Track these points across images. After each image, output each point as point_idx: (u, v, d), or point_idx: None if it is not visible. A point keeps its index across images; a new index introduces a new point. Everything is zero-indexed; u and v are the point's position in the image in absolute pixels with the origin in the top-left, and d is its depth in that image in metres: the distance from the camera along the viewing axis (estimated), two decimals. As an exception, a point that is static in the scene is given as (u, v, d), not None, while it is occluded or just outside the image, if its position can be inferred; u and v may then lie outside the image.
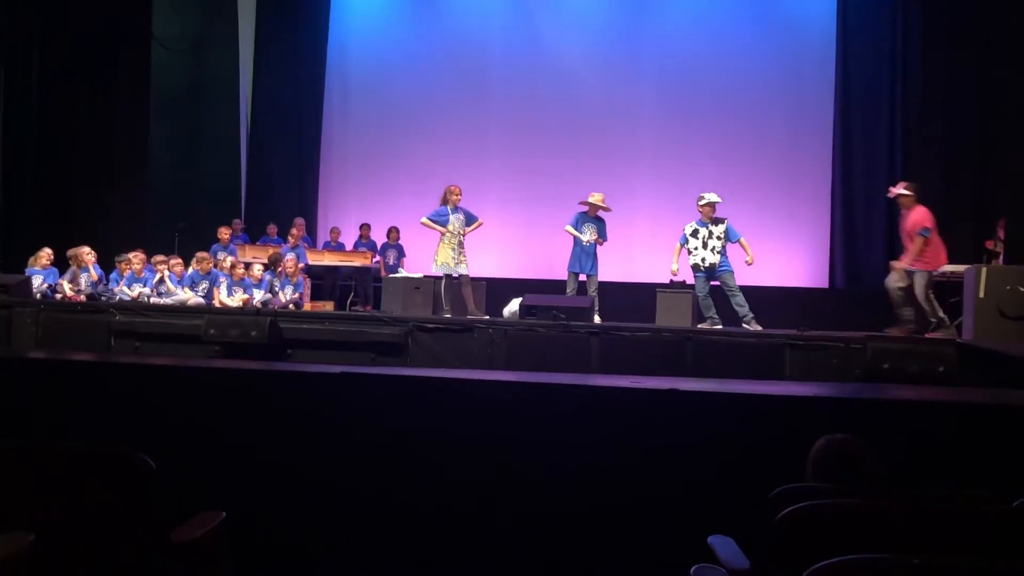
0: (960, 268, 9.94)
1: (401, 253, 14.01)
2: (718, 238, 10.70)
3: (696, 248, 10.78)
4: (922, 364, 8.26)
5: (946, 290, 10.70)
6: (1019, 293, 8.68)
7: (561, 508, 4.16)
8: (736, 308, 10.52)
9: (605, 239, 11.43)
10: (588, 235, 11.28)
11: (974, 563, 1.72)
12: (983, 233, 11.16)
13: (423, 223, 11.20)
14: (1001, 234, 10.82)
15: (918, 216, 9.85)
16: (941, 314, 9.76)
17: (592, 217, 11.41)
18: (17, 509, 2.66)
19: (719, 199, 10.78)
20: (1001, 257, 10.45)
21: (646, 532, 4.06)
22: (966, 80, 12.24)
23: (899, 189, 10.18)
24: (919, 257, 9.72)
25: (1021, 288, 8.68)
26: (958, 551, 2.11)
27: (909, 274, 9.76)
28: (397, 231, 14.02)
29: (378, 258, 13.91)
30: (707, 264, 10.68)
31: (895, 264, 10.01)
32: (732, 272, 10.71)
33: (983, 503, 2.56)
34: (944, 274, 10.44)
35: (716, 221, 10.77)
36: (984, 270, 8.99)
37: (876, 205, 13.60)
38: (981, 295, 8.83)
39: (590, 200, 11.40)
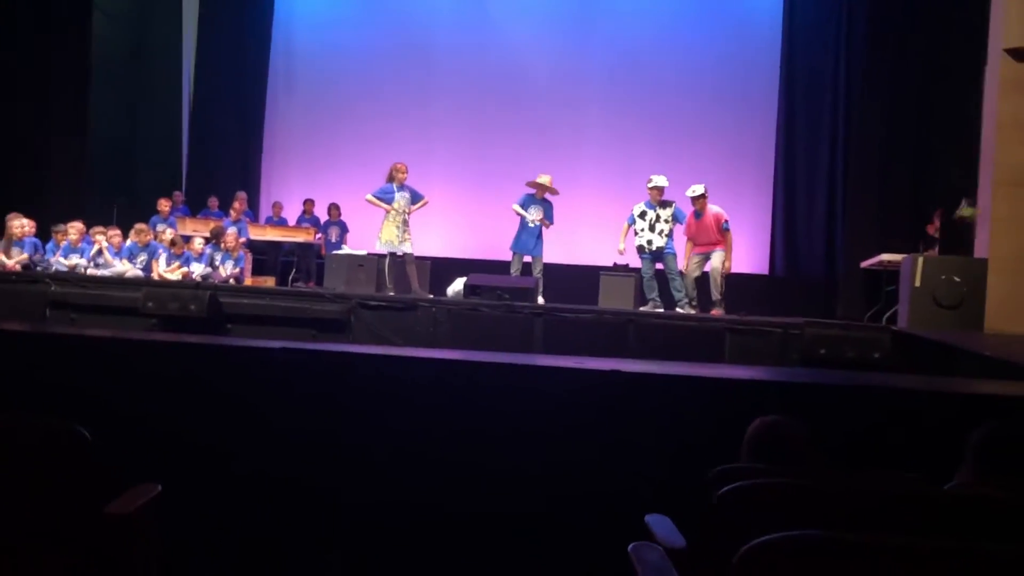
0: (897, 257, 10.13)
1: (344, 230, 13.90)
2: (665, 221, 10.85)
3: (643, 230, 10.89)
4: (858, 350, 8.44)
5: (882, 279, 10.90)
6: (954, 283, 8.85)
7: (502, 486, 4.17)
8: (673, 292, 10.67)
9: (552, 222, 11.46)
10: (534, 216, 11.31)
11: (906, 540, 1.76)
12: (920, 223, 11.37)
13: (368, 200, 11.14)
14: (937, 223, 11.04)
15: (718, 212, 10.85)
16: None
17: (539, 199, 11.44)
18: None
19: (666, 183, 10.89)
20: (937, 246, 10.66)
21: (585, 511, 4.09)
22: (907, 74, 12.44)
23: (700, 190, 10.88)
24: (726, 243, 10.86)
25: (956, 278, 8.85)
26: (891, 530, 2.15)
27: (705, 260, 10.90)
28: (338, 208, 13.89)
29: (320, 235, 13.80)
30: (653, 247, 10.81)
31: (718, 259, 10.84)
32: (676, 256, 10.84)
33: (915, 486, 2.62)
34: (881, 263, 10.65)
35: (664, 204, 10.90)
36: (921, 260, 9.15)
37: (816, 195, 13.83)
38: (917, 284, 8.98)
39: (538, 181, 11.42)
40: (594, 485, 4.11)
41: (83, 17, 13.53)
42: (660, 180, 10.93)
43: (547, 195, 11.51)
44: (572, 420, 4.23)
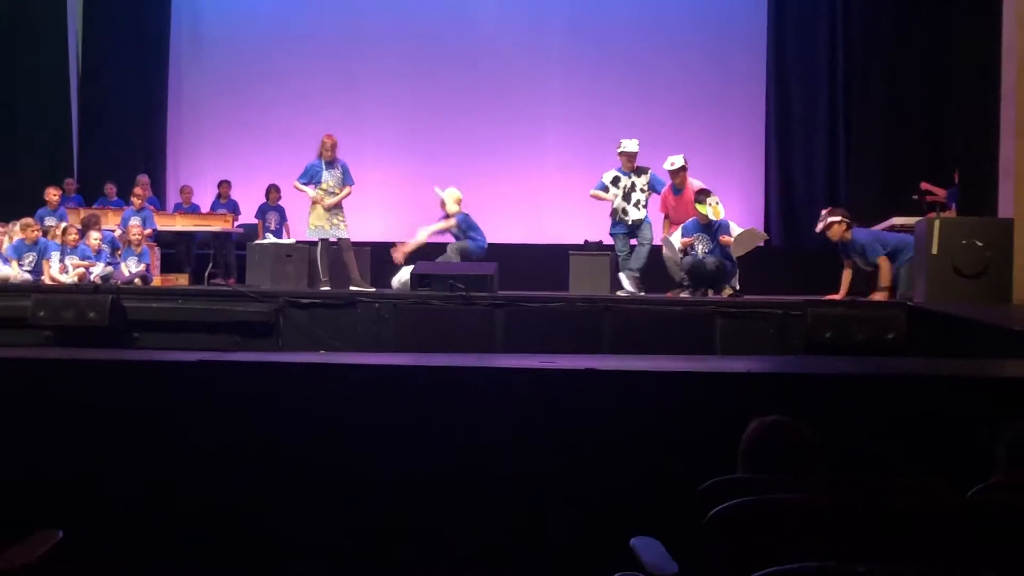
0: (911, 220, 10.19)
1: (283, 217, 13.75)
2: (642, 190, 10.79)
3: (616, 198, 10.84)
4: (869, 331, 8.53)
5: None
6: (976, 248, 8.89)
7: (462, 510, 4.18)
8: (631, 262, 10.69)
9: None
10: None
11: (922, 569, 1.77)
12: (939, 180, 11.43)
13: (296, 187, 11.08)
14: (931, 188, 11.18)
15: (700, 187, 10.74)
16: None
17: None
18: None
19: (637, 148, 10.83)
20: (954, 209, 10.75)
21: (561, 534, 4.10)
22: (915, 15, 12.56)
23: (680, 162, 10.86)
24: None
25: (978, 243, 8.90)
26: (908, 553, 2.17)
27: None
28: (278, 190, 13.71)
29: (240, 222, 13.68)
30: (629, 219, 10.76)
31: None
32: (651, 224, 10.85)
33: (934, 493, 2.64)
34: (893, 227, 10.74)
35: (639, 171, 10.84)
36: (937, 223, 9.10)
37: (815, 154, 13.90)
38: (934, 251, 9.00)
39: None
40: (570, 505, 4.12)
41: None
42: (630, 145, 10.86)
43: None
44: (542, 429, 4.24)
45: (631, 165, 10.83)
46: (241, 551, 4.18)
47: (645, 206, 10.82)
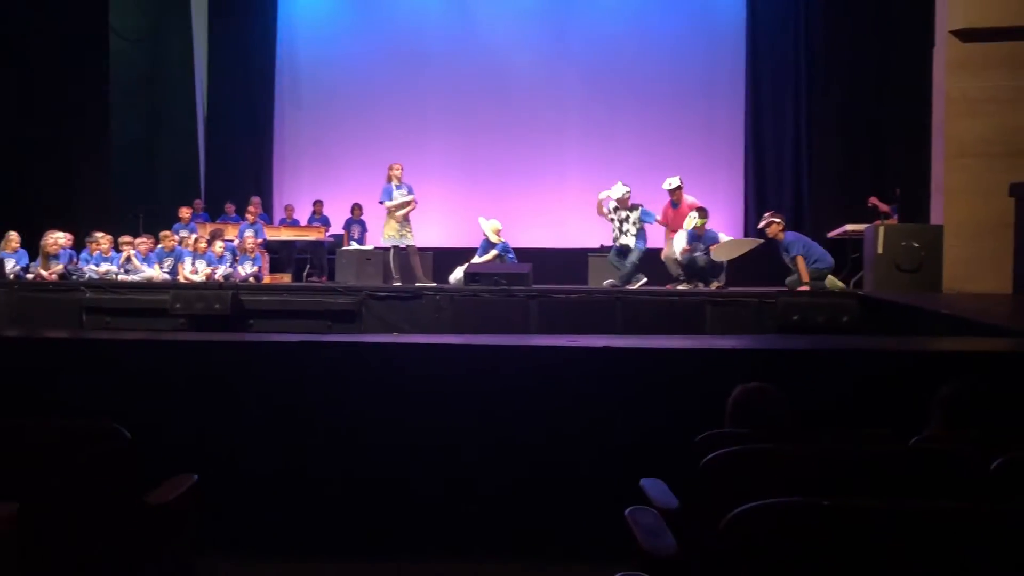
0: (860, 227, 10.16)
1: (364, 228, 13.87)
2: (633, 223, 10.70)
3: (614, 221, 10.78)
4: (828, 315, 8.48)
5: (848, 247, 10.92)
6: (913, 248, 8.89)
7: (504, 458, 4.19)
8: (619, 266, 10.61)
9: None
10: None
11: (878, 503, 1.78)
12: (880, 196, 11.38)
13: (389, 207, 11.10)
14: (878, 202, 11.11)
15: (693, 202, 10.84)
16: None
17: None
18: (1, 481, 2.63)
19: (622, 194, 10.66)
20: (896, 218, 10.69)
21: (583, 478, 4.10)
22: (863, 60, 12.47)
23: (676, 183, 10.86)
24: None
25: (915, 244, 8.89)
26: (861, 490, 2.17)
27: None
28: (360, 207, 13.83)
29: (330, 232, 13.78)
30: (619, 243, 10.70)
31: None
32: (640, 251, 10.64)
33: (882, 443, 2.63)
34: (846, 232, 10.67)
35: (632, 208, 10.74)
36: (882, 228, 9.21)
37: (784, 174, 13.88)
38: (880, 251, 9.02)
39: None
40: (590, 453, 4.13)
41: (100, 40, 13.42)
42: (616, 191, 10.66)
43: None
44: (568, 394, 4.24)
45: (625, 205, 10.70)
46: (331, 495, 4.22)
47: (636, 235, 10.66)
